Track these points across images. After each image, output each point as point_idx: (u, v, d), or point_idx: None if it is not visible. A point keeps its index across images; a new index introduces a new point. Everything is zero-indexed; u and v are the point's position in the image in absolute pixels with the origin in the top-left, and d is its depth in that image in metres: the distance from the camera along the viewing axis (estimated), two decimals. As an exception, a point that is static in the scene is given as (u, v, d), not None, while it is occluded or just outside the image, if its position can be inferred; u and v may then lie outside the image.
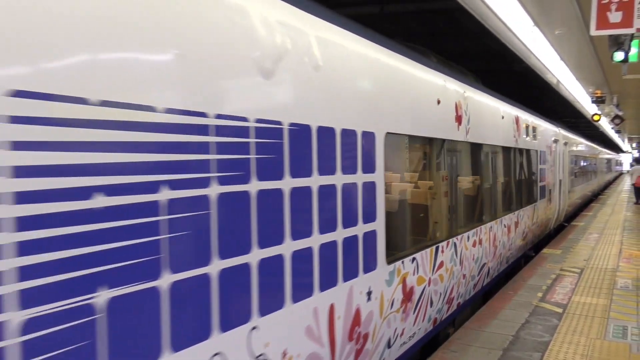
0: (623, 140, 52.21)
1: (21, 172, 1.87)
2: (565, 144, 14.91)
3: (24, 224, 1.88)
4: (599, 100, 15.38)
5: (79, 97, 2.03)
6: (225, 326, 2.75)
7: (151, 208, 2.34)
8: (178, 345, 2.47)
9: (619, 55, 7.13)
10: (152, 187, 2.34)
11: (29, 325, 1.87)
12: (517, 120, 9.30)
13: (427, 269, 5.43)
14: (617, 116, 18.80)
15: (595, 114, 18.52)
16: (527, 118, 10.29)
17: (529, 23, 8.05)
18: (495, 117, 7.86)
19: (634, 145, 55.06)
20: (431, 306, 5.65)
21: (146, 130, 2.30)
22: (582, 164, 19.95)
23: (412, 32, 11.11)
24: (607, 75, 12.60)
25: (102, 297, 2.11)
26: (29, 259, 1.89)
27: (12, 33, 1.84)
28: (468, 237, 6.78)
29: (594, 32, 5.59)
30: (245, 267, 2.88)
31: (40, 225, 1.93)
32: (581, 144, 19.50)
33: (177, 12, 2.46)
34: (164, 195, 2.39)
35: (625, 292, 8.58)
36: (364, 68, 4.12)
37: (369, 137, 4.11)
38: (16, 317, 1.83)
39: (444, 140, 5.92)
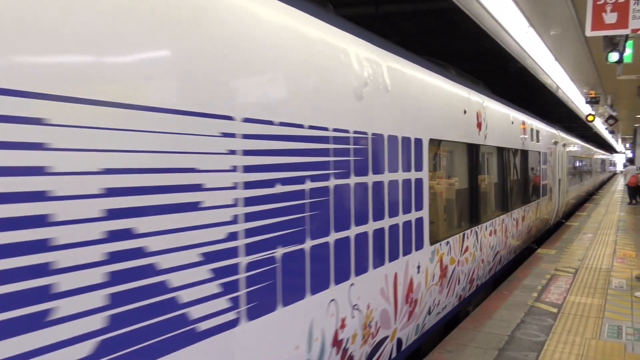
0: (617, 141, 52.47)
1: (261, 168, 2.99)
2: (564, 145, 16.03)
3: (261, 200, 3.01)
4: (593, 101, 15.43)
5: (296, 124, 3.27)
6: (337, 280, 3.75)
7: (301, 194, 3.33)
8: (314, 290, 3.50)
9: (613, 56, 7.15)
10: (301, 180, 3.33)
11: (249, 266, 2.88)
12: (523, 124, 10.27)
13: (457, 252, 6.47)
14: (611, 117, 18.87)
15: (590, 114, 18.60)
16: (532, 122, 11.29)
17: (524, 24, 8.06)
18: (506, 123, 8.84)
19: (628, 145, 55.32)
20: (458, 284, 6.69)
21: (299, 141, 3.30)
22: (578, 164, 21.32)
23: (407, 33, 11.12)
24: (601, 76, 12.65)
25: (278, 252, 3.13)
26: (250, 224, 2.95)
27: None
28: (486, 227, 7.86)
29: (589, 32, 5.61)
30: (347, 239, 3.87)
31: (254, 202, 2.99)
32: (578, 145, 20.60)
33: (320, 63, 3.55)
34: (307, 185, 3.38)
35: (620, 292, 8.62)
36: (415, 88, 5.09)
37: (419, 142, 5.09)
38: (243, 260, 2.86)
39: (469, 145, 7.06)
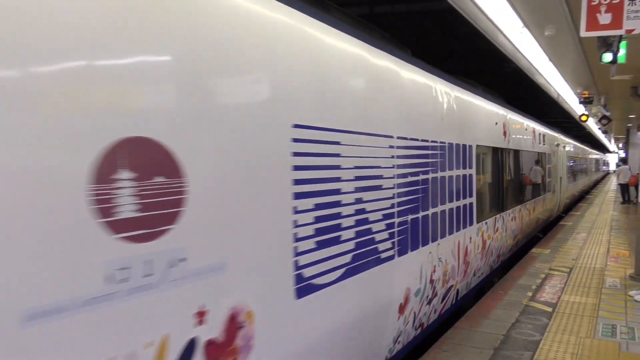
0: (610, 141, 52.76)
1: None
2: (564, 147, 18.59)
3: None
4: (586, 101, 15.48)
5: (416, 139, 5.11)
6: (432, 240, 5.65)
7: (417, 182, 5.15)
8: (423, 244, 5.35)
9: (607, 57, 7.20)
10: (417, 174, 5.17)
11: (398, 224, 4.76)
12: (534, 130, 12.54)
13: (492, 231, 8.48)
14: (604, 117, 18.94)
15: (583, 114, 18.66)
16: (540, 128, 13.70)
17: (519, 24, 8.10)
18: (522, 129, 10.97)
19: (620, 145, 55.67)
20: (491, 256, 8.70)
21: (417, 149, 5.17)
22: (576, 164, 24.15)
23: (402, 33, 11.17)
24: (595, 76, 12.70)
25: (409, 218, 5.00)
26: (398, 199, 4.83)
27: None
28: (509, 214, 9.88)
29: (583, 33, 5.65)
30: (436, 213, 5.75)
31: (400, 186, 4.93)
32: (575, 147, 23.44)
33: (425, 99, 5.45)
34: (420, 177, 5.22)
35: (614, 291, 8.67)
36: (468, 108, 6.93)
37: (470, 148, 7.02)
38: (396, 220, 4.70)
39: (498, 148, 8.93)
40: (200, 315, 2.51)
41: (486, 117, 7.98)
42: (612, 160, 73.76)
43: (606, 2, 5.33)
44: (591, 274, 9.77)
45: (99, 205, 2.02)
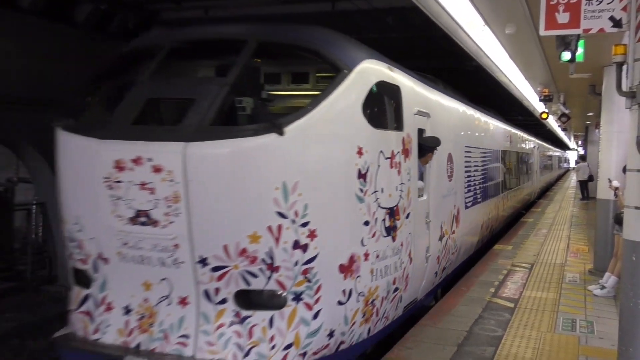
0: (569, 138, 53.93)
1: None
2: (537, 148, 25.45)
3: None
4: (546, 99, 15.73)
5: (487, 149, 11.99)
6: (491, 197, 12.33)
7: (488, 169, 11.69)
8: (493, 195, 12.90)
9: (566, 55, 7.35)
10: (488, 163, 11.85)
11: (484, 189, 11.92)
12: (522, 137, 19.76)
13: (508, 199, 14.97)
14: (563, 114, 19.31)
15: (544, 112, 19.00)
16: (525, 135, 21.17)
17: (480, 22, 8.22)
18: (518, 137, 18.50)
19: (580, 142, 57.02)
20: (510, 210, 15.66)
21: (490, 154, 12.19)
22: (545, 161, 31.06)
23: (364, 29, 11.24)
24: (554, 74, 12.93)
25: (489, 184, 11.90)
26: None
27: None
28: (514, 190, 16.27)
29: (543, 32, 5.76)
30: (492, 185, 12.35)
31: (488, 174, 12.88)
32: (543, 147, 30.77)
33: (500, 133, 14.66)
34: (489, 165, 11.97)
35: (573, 286, 8.90)
36: (496, 130, 13.25)
37: (498, 151, 13.31)
38: (482, 186, 11.60)
39: (506, 150, 15.19)
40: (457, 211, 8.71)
41: (503, 133, 14.82)
42: (572, 157, 75.44)
43: (564, 1, 5.44)
44: (552, 270, 10.00)
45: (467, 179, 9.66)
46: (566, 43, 7.28)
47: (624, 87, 4.65)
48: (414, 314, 7.03)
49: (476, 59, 10.18)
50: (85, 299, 5.03)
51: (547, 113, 18.91)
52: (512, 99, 18.23)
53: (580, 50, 8.28)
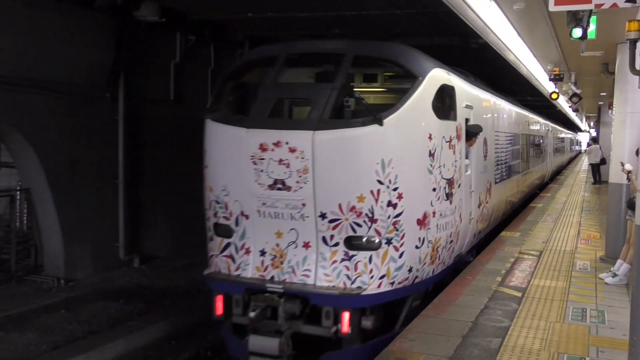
0: (581, 120, 53.94)
1: None
2: (550, 131, 27.38)
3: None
4: (557, 78, 15.73)
5: (516, 133, 15.63)
6: (519, 173, 16.10)
7: (517, 149, 15.26)
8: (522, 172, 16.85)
9: (577, 32, 7.30)
10: (518, 144, 15.71)
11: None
12: (539, 121, 22.30)
13: (529, 176, 18.35)
14: (574, 94, 19.32)
15: (554, 92, 19.00)
16: (544, 121, 24.64)
17: (487, -3, 8.21)
18: (536, 121, 21.18)
19: (592, 124, 57.01)
20: (531, 184, 19.17)
21: (516, 137, 15.59)
22: (557, 143, 33.26)
23: (367, 6, 11.21)
24: (565, 52, 12.93)
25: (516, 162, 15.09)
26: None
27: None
28: (530, 171, 18.34)
29: (552, 7, 5.73)
30: (517, 165, 15.56)
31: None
32: (556, 129, 33.10)
33: (530, 121, 20.10)
34: (516, 146, 15.25)
35: (584, 274, 8.93)
36: (523, 117, 16.92)
37: (521, 135, 16.14)
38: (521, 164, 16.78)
39: (526, 134, 17.59)
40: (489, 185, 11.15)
41: (522, 118, 16.72)
42: (584, 139, 75.70)
43: (575, -26, 5.41)
44: (561, 257, 10.04)
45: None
46: (577, 19, 7.25)
47: (638, 66, 4.64)
48: (456, 268, 9.00)
49: (482, 36, 10.14)
50: (227, 246, 7.44)
51: (557, 93, 18.91)
52: (520, 79, 18.20)
53: (592, 27, 8.23)
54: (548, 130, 26.17)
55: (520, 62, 14.20)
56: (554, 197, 19.93)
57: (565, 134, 43.93)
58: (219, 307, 7.63)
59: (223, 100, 8.17)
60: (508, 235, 12.15)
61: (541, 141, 22.72)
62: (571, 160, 52.03)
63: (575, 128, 62.97)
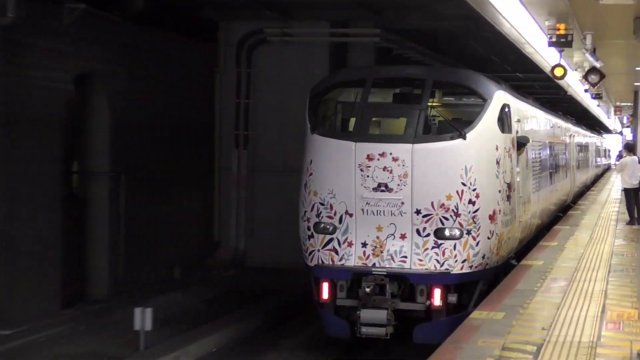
0: (607, 113, 56.28)
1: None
2: (572, 136, 39.16)
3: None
4: (561, 42, 16.26)
5: (561, 142, 35.09)
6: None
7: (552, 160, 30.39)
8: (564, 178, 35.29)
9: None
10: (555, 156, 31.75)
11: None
12: (568, 128, 39.11)
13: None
14: (593, 70, 20.09)
15: (557, 65, 19.64)
16: (566, 124, 38.28)
17: None
18: (564, 131, 37.12)
19: (625, 119, 58.68)
20: (554, 204, 31.32)
21: (563, 146, 35.33)
22: (581, 155, 45.33)
23: None
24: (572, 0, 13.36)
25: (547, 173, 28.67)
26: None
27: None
28: (554, 187, 30.01)
29: None
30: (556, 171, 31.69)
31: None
32: (580, 136, 45.36)
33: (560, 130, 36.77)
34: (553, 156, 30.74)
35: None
36: (567, 135, 37.90)
37: (554, 144, 31.17)
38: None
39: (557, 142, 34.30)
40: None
41: (549, 123, 28.79)
42: (613, 146, 78.69)
43: None
44: (574, 355, 10.19)
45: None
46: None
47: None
48: (505, 271, 17.47)
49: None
50: (330, 241, 15.86)
51: (563, 68, 19.59)
52: (501, 44, 18.75)
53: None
54: (570, 135, 38.65)
55: (501, 14, 14.63)
56: (563, 248, 20.43)
57: (589, 138, 55.34)
58: (325, 292, 15.87)
59: (316, 116, 17.03)
60: (484, 317, 12.27)
61: (564, 151, 34.33)
62: (596, 180, 56.83)
63: (597, 127, 65.97)
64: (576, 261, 18.19)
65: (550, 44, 16.62)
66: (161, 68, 27.07)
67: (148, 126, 25.80)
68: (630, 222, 25.91)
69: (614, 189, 44.00)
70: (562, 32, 16.02)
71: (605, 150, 76.42)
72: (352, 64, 30.42)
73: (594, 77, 20.74)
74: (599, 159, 64.58)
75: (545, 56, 20.36)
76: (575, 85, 30.41)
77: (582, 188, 47.23)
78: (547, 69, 21.47)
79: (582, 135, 48.65)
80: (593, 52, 18.29)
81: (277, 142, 29.35)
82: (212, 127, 30.19)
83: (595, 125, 65.09)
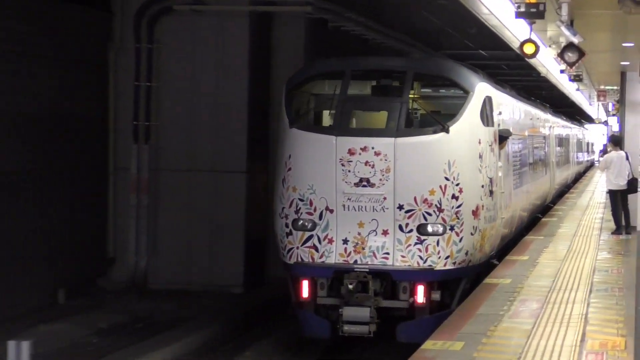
0: (589, 99, 57.21)
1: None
2: (552, 127, 45.38)
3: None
4: (532, 12, 16.29)
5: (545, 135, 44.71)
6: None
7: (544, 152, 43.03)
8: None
9: None
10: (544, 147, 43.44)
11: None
12: (547, 118, 46.99)
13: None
14: (570, 45, 20.23)
15: (528, 41, 19.78)
16: (544, 115, 44.76)
17: None
18: (543, 122, 44.91)
19: (610, 106, 61.07)
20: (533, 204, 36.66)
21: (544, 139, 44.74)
22: (561, 149, 52.14)
23: None
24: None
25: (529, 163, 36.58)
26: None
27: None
28: (535, 181, 36.07)
29: None
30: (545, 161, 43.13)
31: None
32: (560, 126, 52.03)
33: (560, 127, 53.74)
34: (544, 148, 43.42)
35: None
36: (547, 127, 47.10)
37: (543, 136, 43.10)
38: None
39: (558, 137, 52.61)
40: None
41: (529, 114, 34.03)
42: (596, 138, 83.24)
43: None
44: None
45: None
46: None
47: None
48: (485, 271, 20.60)
49: None
50: (309, 238, 18.69)
51: (534, 43, 19.67)
52: (460, 15, 18.87)
53: None
54: (549, 126, 44.20)
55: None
56: (535, 263, 20.57)
57: (569, 129, 65.43)
58: (305, 290, 18.12)
59: (294, 109, 19.74)
60: (439, 348, 12.23)
61: (543, 145, 39.01)
62: (577, 180, 63.77)
63: (577, 116, 74.74)
64: (551, 279, 18.34)
65: (518, 15, 16.66)
66: (38, 43, 25.95)
67: (22, 117, 24.73)
68: (617, 231, 26.42)
69: (597, 190, 44.56)
70: (532, 0, 16.06)
71: (588, 144, 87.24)
72: (279, 39, 30.81)
73: (571, 55, 20.80)
74: (580, 155, 73.87)
75: (514, 30, 20.44)
76: (550, 65, 30.63)
77: (562, 188, 53.60)
78: (516, 46, 21.55)
79: (562, 127, 55.84)
80: (570, 25, 18.40)
81: (185, 135, 28.61)
82: (105, 117, 28.74)
83: (575, 114, 69.59)
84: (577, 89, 46.03)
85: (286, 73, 25.17)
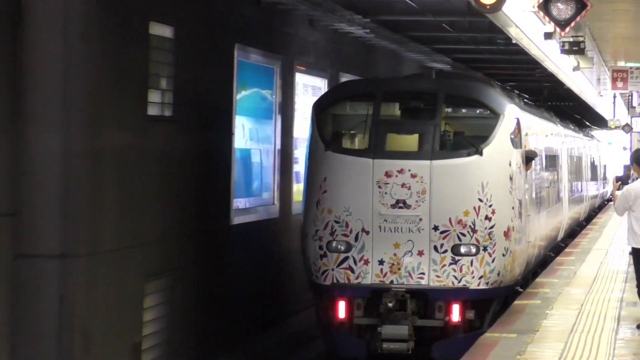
0: (596, 85, 58.78)
1: None
2: (564, 143, 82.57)
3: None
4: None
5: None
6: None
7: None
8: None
9: None
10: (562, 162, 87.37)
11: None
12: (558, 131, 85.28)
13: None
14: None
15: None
16: (557, 125, 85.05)
17: None
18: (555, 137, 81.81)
19: (636, 97, 62.89)
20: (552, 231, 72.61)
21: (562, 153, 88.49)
22: (572, 172, 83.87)
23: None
24: None
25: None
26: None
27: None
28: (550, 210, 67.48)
29: None
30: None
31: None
32: (572, 140, 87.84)
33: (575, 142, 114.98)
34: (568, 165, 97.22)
35: None
36: (588, 148, 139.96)
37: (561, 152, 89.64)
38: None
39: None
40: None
41: (589, 150, 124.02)
42: (605, 151, 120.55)
43: None
44: None
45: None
46: None
47: None
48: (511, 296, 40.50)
49: None
50: (345, 260, 41.80)
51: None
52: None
53: None
54: (561, 141, 55.78)
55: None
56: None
57: (579, 143, 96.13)
58: (342, 310, 34.01)
59: (325, 131, 37.29)
60: None
61: (557, 164, 52.11)
62: (588, 220, 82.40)
63: (578, 115, 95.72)
64: None
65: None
66: None
67: None
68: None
69: (611, 247, 45.62)
70: None
71: (600, 167, 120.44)
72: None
73: (562, 8, 20.01)
74: (590, 185, 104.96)
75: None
76: (526, 26, 31.20)
77: (574, 224, 78.03)
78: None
79: (573, 139, 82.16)
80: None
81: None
82: None
83: (573, 113, 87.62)
84: (576, 67, 46.45)
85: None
